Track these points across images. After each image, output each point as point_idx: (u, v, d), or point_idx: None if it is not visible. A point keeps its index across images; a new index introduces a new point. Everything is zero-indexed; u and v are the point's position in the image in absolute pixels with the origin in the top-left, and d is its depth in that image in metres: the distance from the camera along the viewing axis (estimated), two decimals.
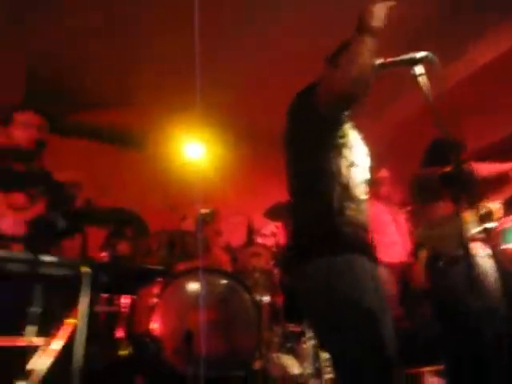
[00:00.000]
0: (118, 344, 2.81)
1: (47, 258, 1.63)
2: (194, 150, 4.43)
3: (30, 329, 1.60)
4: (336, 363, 1.43)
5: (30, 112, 2.27)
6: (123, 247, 3.73)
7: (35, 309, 1.60)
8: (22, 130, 2.22)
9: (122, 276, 1.78)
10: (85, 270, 1.64)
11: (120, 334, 2.87)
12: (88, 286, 1.62)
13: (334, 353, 1.43)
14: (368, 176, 1.64)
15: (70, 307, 1.87)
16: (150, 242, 3.58)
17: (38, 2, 3.36)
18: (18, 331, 1.66)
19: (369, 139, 1.69)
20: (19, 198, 2.09)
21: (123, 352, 2.79)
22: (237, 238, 4.28)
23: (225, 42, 3.76)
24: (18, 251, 1.75)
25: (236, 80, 4.10)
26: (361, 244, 1.47)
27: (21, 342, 1.66)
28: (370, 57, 1.44)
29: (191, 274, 2.62)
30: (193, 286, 2.57)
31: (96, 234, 2.84)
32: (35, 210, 2.11)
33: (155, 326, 2.65)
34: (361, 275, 1.40)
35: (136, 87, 4.15)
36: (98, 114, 4.38)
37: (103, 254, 3.08)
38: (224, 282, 2.71)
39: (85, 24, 3.55)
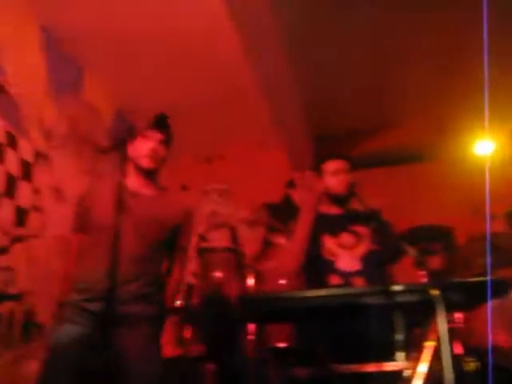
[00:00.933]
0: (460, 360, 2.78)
1: (398, 287, 1.77)
2: (483, 147, 4.22)
3: (399, 355, 1.74)
4: None
5: (336, 160, 2.56)
6: (435, 262, 3.73)
7: (400, 336, 1.75)
8: (334, 178, 2.51)
9: (471, 292, 1.80)
10: (434, 292, 1.72)
11: (458, 350, 2.85)
12: (442, 307, 1.69)
13: None
14: None
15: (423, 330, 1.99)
16: (464, 252, 3.49)
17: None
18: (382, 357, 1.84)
19: None
20: (347, 238, 2.35)
21: (469, 367, 2.75)
22: None
23: None
24: (370, 285, 1.94)
25: None
26: None
27: (392, 366, 1.84)
28: None
29: None
30: None
31: None
32: (364, 246, 2.34)
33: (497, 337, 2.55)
34: None
35: (412, 101, 4.22)
36: (379, 139, 4.57)
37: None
38: None
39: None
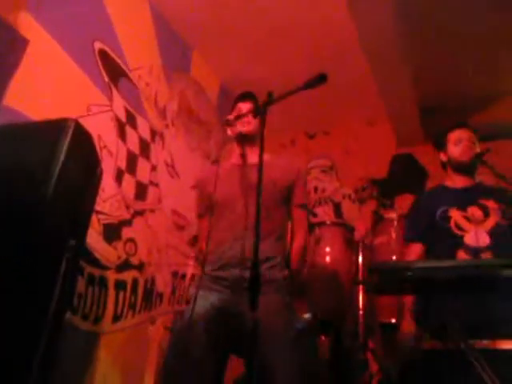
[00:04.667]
0: None
1: None
2: None
3: None
4: None
5: (459, 129, 2.44)
6: None
7: None
8: (457, 147, 2.40)
9: None
10: None
11: None
12: None
13: None
14: None
15: None
16: None
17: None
18: None
19: None
20: (476, 211, 2.25)
21: None
22: None
23: None
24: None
25: None
26: None
27: None
28: None
29: None
30: None
31: None
32: (492, 219, 2.22)
33: None
34: None
35: None
36: (487, 113, 4.29)
37: None
38: None
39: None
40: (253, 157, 2.14)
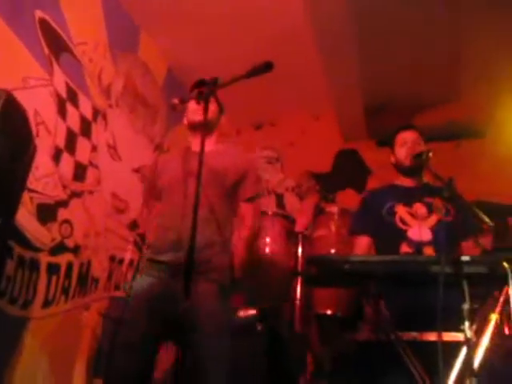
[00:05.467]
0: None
1: (469, 258, 1.73)
2: None
3: (463, 326, 1.70)
4: None
5: (406, 131, 2.51)
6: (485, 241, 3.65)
7: (466, 305, 1.70)
8: (403, 149, 2.47)
9: None
10: (508, 264, 1.67)
11: None
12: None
13: None
14: None
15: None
16: None
17: None
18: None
19: None
20: (420, 208, 2.34)
21: None
22: None
23: None
24: (441, 254, 1.89)
25: None
26: None
27: (453, 337, 1.81)
28: None
29: None
30: None
31: None
32: (436, 216, 2.31)
33: None
34: None
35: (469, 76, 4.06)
36: (431, 114, 4.43)
37: None
38: None
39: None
40: (206, 145, 2.11)
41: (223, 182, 2.10)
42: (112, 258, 3.46)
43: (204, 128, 1.89)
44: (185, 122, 2.29)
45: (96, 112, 3.38)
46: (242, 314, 2.77)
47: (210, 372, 1.79)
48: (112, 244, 3.46)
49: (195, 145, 2.16)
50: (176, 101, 2.08)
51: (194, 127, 2.19)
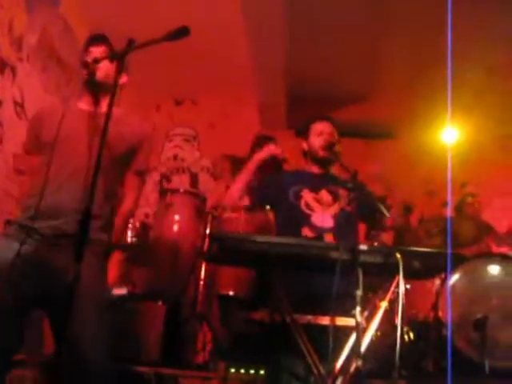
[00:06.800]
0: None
1: (365, 247, 1.82)
2: (449, 135, 4.35)
3: (357, 310, 1.80)
4: None
5: (322, 121, 2.57)
6: (385, 238, 3.86)
7: (359, 292, 1.80)
8: (318, 138, 2.53)
9: (432, 262, 1.88)
10: (399, 256, 1.78)
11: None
12: (403, 272, 1.76)
13: None
14: None
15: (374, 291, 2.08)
16: (418, 232, 3.63)
17: None
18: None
19: None
20: (326, 195, 2.42)
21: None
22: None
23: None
24: (340, 241, 1.97)
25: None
26: None
27: (345, 321, 1.91)
28: None
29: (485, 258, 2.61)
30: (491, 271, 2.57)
31: None
32: (339, 205, 2.41)
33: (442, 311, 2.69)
34: None
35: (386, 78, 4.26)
36: (347, 111, 4.60)
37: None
38: None
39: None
40: (102, 106, 1.98)
41: (120, 148, 1.96)
42: (7, 223, 3.23)
43: (108, 88, 1.80)
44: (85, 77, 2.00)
45: (3, 63, 3.12)
46: (115, 291, 2.74)
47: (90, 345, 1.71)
48: (8, 208, 3.23)
49: (86, 103, 2.03)
50: (88, 59, 1.96)
51: (94, 85, 1.99)
